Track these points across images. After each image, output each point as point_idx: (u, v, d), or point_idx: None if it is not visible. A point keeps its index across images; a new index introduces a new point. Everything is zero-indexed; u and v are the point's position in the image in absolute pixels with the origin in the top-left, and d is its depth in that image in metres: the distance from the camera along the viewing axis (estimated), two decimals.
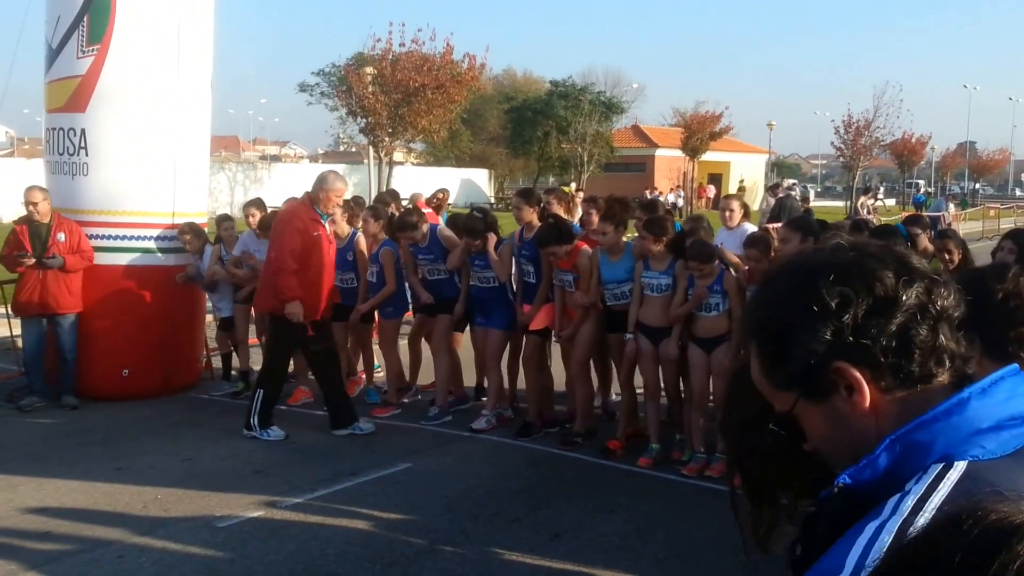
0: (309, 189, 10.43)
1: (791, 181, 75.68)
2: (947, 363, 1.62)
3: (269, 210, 12.62)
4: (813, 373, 1.64)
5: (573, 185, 45.06)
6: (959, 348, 1.64)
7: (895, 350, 1.59)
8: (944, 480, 1.45)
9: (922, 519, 1.38)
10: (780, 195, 26.11)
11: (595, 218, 10.63)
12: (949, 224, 28.79)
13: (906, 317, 1.59)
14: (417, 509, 8.14)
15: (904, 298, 1.59)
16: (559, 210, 11.11)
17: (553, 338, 10.53)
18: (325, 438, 10.21)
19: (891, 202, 70.81)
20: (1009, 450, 1.51)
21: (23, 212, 11.41)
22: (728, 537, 7.45)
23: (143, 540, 7.36)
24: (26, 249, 11.01)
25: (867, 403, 1.62)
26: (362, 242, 11.42)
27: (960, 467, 1.48)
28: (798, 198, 30.67)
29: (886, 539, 1.37)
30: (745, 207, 11.63)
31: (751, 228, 10.87)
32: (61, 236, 11.15)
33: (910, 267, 1.63)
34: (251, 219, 12.13)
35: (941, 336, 1.61)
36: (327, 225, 10.43)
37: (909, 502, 1.43)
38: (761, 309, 1.75)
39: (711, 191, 63.90)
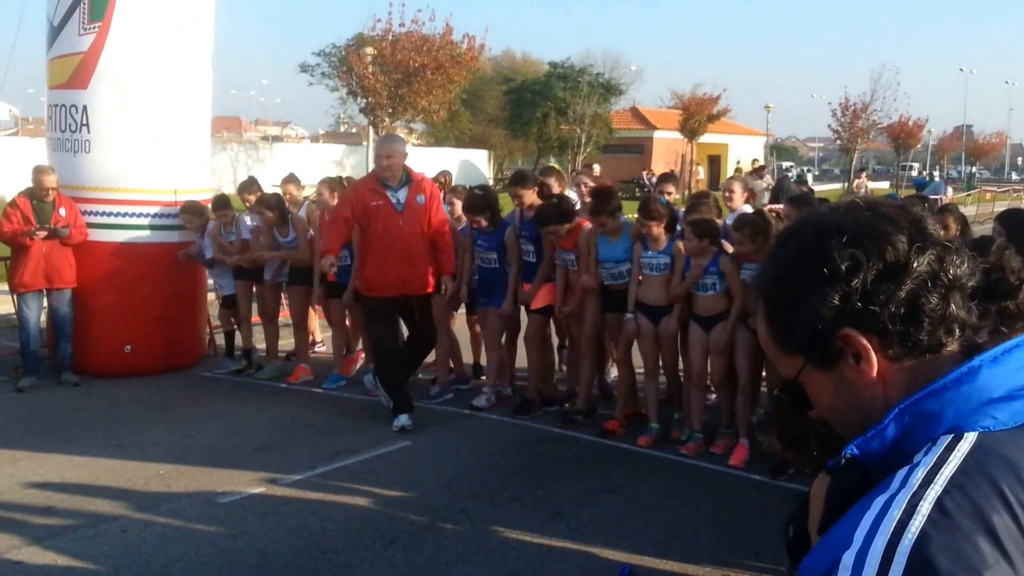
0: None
1: (788, 164, 75.69)
2: (957, 332, 1.58)
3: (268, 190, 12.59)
4: (820, 339, 1.61)
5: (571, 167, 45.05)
6: (970, 317, 1.60)
7: (903, 318, 1.55)
8: (954, 452, 1.42)
9: (932, 491, 1.35)
10: (779, 177, 26.23)
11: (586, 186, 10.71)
12: None
13: (916, 284, 1.54)
14: (417, 487, 8.13)
15: (915, 265, 1.54)
16: (557, 188, 11.10)
17: (556, 314, 10.50)
18: (325, 416, 10.19)
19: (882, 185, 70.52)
20: (1021, 421, 1.47)
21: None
22: (726, 516, 7.48)
23: (145, 516, 7.36)
24: (32, 223, 10.98)
25: (874, 372, 1.58)
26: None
27: (971, 438, 1.44)
28: (793, 179, 30.84)
29: (895, 513, 1.34)
30: (750, 190, 11.65)
31: (748, 209, 10.82)
32: (62, 211, 11.20)
33: (925, 232, 1.58)
34: (246, 204, 12.10)
35: (952, 305, 1.56)
36: (396, 196, 9.79)
37: (919, 475, 1.39)
38: (772, 269, 1.70)
39: (699, 173, 63.73)
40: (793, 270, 1.63)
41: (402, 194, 9.82)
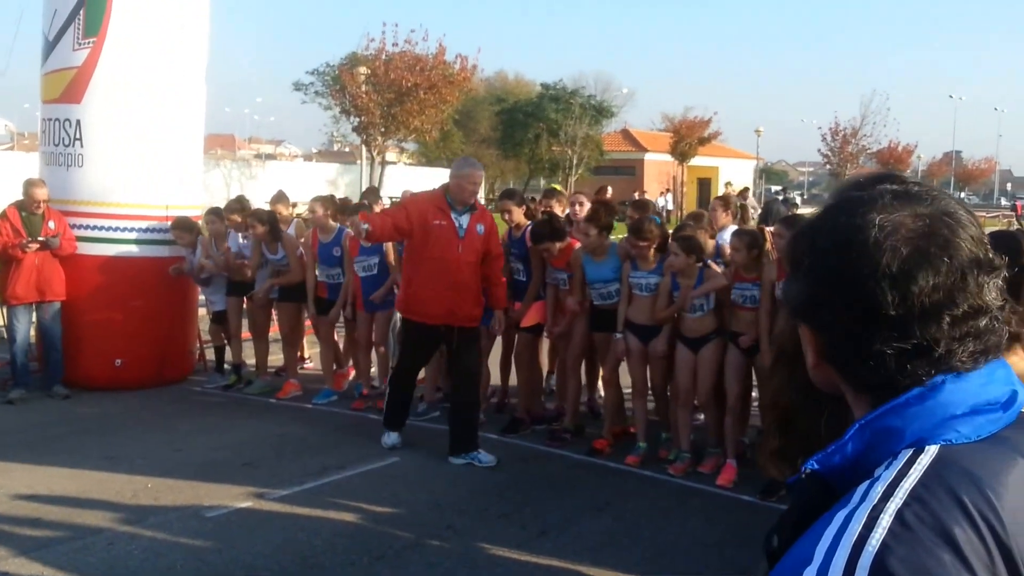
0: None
1: (776, 188, 75.90)
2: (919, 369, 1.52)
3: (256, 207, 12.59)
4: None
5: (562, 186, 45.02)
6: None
7: (856, 361, 1.52)
8: (915, 465, 1.39)
9: (892, 504, 1.33)
10: (767, 200, 26.38)
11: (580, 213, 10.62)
12: None
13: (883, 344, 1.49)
14: (404, 503, 8.11)
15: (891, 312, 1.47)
16: (559, 209, 11.14)
17: (544, 335, 10.52)
18: (314, 431, 10.17)
19: None
20: (984, 435, 1.44)
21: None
22: (713, 536, 7.46)
23: (132, 528, 7.33)
24: (22, 235, 11.00)
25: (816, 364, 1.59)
26: (349, 239, 11.22)
27: (932, 451, 1.41)
28: (782, 201, 31.05)
29: (855, 527, 1.32)
30: (742, 210, 11.73)
31: (734, 227, 10.89)
32: (51, 224, 11.24)
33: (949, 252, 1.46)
34: (229, 222, 12.08)
35: (919, 357, 1.49)
36: (459, 220, 9.21)
37: (879, 488, 1.37)
38: (803, 230, 1.63)
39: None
40: (804, 240, 1.58)
41: (464, 219, 9.27)
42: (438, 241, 9.11)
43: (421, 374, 11.06)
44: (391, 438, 9.63)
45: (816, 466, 1.51)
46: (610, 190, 17.14)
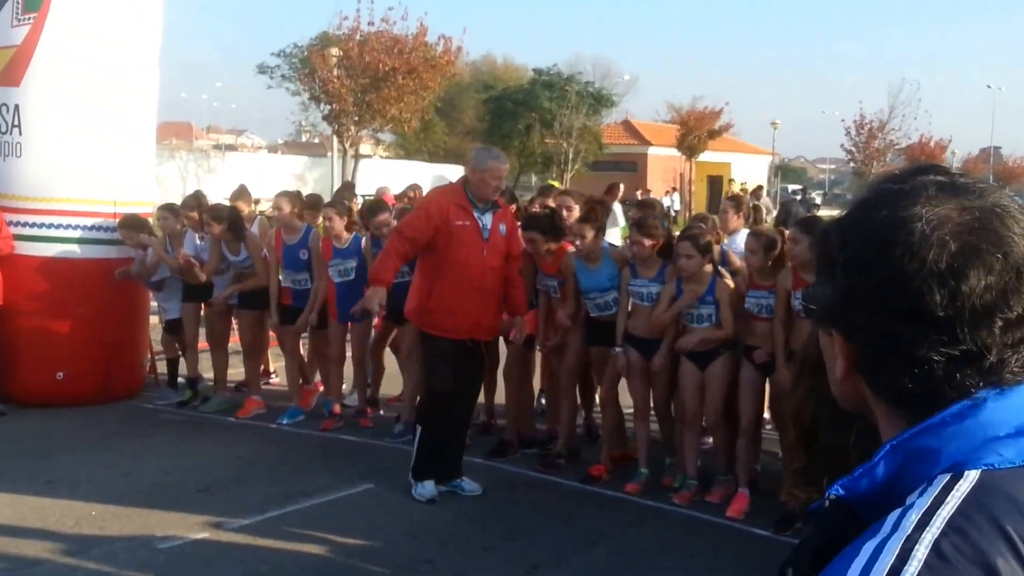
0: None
1: (794, 187, 75.97)
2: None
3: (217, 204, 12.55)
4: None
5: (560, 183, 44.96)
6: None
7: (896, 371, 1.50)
8: (953, 491, 1.37)
9: (928, 535, 1.31)
10: (783, 199, 26.43)
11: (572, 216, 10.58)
12: None
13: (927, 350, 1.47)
14: (378, 534, 8.11)
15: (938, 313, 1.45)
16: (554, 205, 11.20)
17: (536, 348, 10.51)
18: (278, 454, 10.16)
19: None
20: None
21: None
22: (722, 572, 7.46)
23: (75, 560, 7.31)
24: None
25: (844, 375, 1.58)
26: (317, 240, 11.26)
27: (972, 477, 1.39)
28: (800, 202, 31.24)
29: (888, 559, 1.29)
30: (754, 211, 11.74)
31: (746, 231, 10.91)
32: None
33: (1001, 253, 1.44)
34: (186, 220, 12.04)
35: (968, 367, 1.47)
36: (482, 219, 8.98)
37: (913, 517, 1.35)
38: (834, 226, 1.61)
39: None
40: (837, 237, 1.56)
41: (488, 219, 9.03)
42: (462, 244, 8.86)
43: (400, 390, 11.06)
44: (426, 489, 8.96)
45: (841, 491, 1.49)
46: (622, 187, 16.99)
